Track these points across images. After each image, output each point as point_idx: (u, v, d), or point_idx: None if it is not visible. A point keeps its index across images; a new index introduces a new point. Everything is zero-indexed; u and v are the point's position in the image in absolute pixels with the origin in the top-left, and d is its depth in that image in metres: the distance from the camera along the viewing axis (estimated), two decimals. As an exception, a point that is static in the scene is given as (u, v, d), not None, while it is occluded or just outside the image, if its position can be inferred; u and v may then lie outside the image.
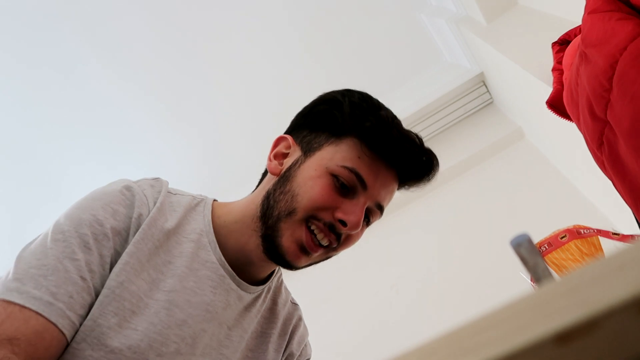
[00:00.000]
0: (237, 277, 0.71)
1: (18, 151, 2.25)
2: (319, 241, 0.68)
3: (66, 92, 2.13)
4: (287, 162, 0.73)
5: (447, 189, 2.16)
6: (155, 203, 0.67)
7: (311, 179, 0.68)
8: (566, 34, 1.14)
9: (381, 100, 0.76)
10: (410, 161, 0.72)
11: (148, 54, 2.12)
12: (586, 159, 0.92)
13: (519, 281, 1.23)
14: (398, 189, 0.76)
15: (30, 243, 0.62)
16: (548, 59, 1.20)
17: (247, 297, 0.72)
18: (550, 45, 1.20)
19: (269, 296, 0.78)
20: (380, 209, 0.73)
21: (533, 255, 0.32)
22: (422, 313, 1.80)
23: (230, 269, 0.70)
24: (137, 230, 0.64)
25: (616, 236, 1.18)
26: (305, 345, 0.84)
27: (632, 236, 1.17)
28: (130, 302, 0.60)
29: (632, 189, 0.73)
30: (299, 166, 0.71)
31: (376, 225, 2.38)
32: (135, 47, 2.09)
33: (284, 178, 0.71)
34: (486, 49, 1.84)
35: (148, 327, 0.60)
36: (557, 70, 1.11)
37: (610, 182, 0.82)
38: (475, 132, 2.25)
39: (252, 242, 0.70)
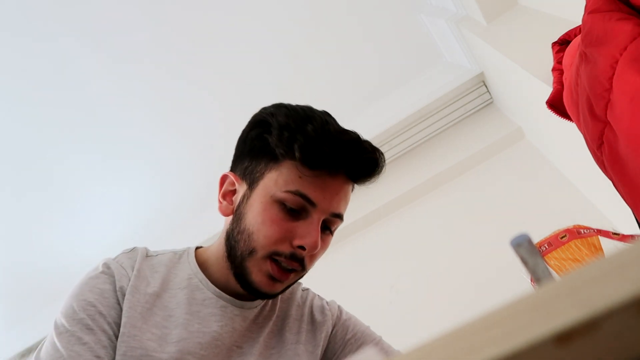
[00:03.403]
0: (237, 301, 0.75)
1: (19, 152, 2.25)
2: (285, 268, 0.71)
3: (67, 98, 2.13)
4: (236, 199, 0.75)
5: (447, 189, 2.16)
6: (132, 271, 0.71)
7: (260, 214, 0.70)
8: (566, 34, 1.14)
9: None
10: (353, 164, 0.72)
11: (150, 58, 2.12)
12: (586, 159, 0.92)
13: (519, 281, 1.23)
14: (354, 186, 0.77)
15: (39, 349, 0.67)
16: (548, 59, 1.20)
17: (252, 313, 0.76)
18: (550, 45, 1.20)
19: (278, 298, 0.81)
20: (338, 216, 0.74)
21: (533, 255, 0.32)
22: (422, 313, 1.80)
23: (228, 296, 0.74)
24: (123, 301, 0.68)
25: (616, 236, 1.18)
26: (331, 307, 0.85)
27: (632, 236, 1.17)
28: None
29: (632, 189, 0.73)
30: (247, 201, 0.72)
31: (376, 226, 2.37)
32: (138, 49, 2.09)
33: (237, 217, 0.73)
34: (486, 49, 1.84)
35: None
36: (557, 70, 1.11)
37: (610, 182, 0.82)
38: (475, 132, 2.25)
39: (232, 280, 0.74)
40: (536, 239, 1.26)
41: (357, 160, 0.72)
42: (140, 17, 2.02)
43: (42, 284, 2.53)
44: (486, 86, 2.27)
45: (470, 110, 2.32)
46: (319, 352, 0.79)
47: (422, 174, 2.23)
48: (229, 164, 0.88)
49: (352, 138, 0.72)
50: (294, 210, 0.69)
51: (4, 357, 2.59)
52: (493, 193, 2.02)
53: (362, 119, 2.26)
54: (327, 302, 0.87)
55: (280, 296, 0.82)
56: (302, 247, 0.70)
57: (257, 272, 0.70)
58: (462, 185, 2.13)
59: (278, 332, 0.78)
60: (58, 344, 0.64)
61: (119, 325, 0.66)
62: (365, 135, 0.77)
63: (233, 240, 0.72)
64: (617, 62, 0.69)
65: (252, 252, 0.70)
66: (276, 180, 0.70)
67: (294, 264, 0.71)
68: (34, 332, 2.54)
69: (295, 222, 0.70)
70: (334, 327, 0.83)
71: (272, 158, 0.71)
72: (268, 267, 0.70)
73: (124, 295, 0.68)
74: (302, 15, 2.16)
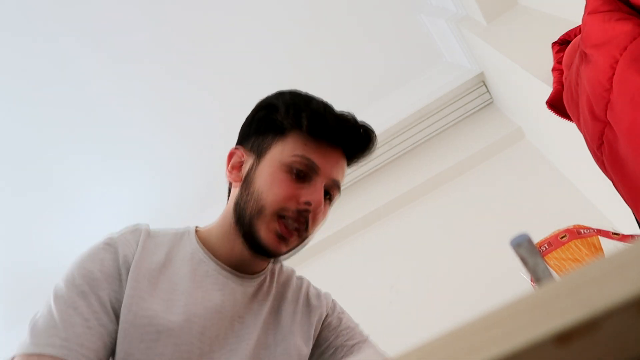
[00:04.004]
0: (238, 275, 0.80)
1: (19, 152, 2.25)
2: (291, 226, 0.76)
3: (67, 98, 2.13)
4: (244, 169, 0.82)
5: (447, 189, 2.16)
6: (137, 245, 0.76)
7: (270, 176, 0.77)
8: (566, 34, 1.14)
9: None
10: (351, 136, 0.81)
11: (150, 58, 2.12)
12: (586, 159, 0.92)
13: (519, 281, 1.23)
14: (348, 165, 0.85)
15: (37, 314, 0.70)
16: (548, 59, 1.20)
17: (251, 288, 0.81)
18: (550, 45, 1.20)
19: (275, 279, 0.87)
20: (337, 184, 0.82)
21: (533, 255, 0.32)
22: (422, 313, 1.80)
23: (229, 270, 0.79)
24: (127, 270, 0.72)
25: (616, 236, 1.18)
26: (325, 296, 0.91)
27: (632, 236, 1.17)
28: (151, 325, 0.68)
29: (632, 189, 0.73)
30: (256, 169, 0.79)
31: (376, 226, 2.36)
32: (138, 49, 2.09)
33: (246, 183, 0.79)
34: (486, 49, 1.84)
35: (176, 342, 0.68)
36: (557, 70, 1.11)
37: (610, 182, 0.82)
38: (475, 132, 2.25)
39: (237, 246, 0.79)
40: (536, 239, 1.26)
41: (355, 134, 0.81)
42: (140, 17, 2.03)
43: (42, 284, 2.52)
44: (486, 86, 2.27)
45: (470, 110, 2.32)
46: (312, 333, 0.84)
47: (422, 174, 2.23)
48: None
49: (349, 116, 0.82)
50: (300, 174, 0.77)
51: (4, 357, 2.59)
52: (493, 193, 2.02)
53: (362, 118, 2.26)
54: (322, 291, 0.92)
55: (276, 278, 0.87)
56: (308, 204, 0.75)
57: (266, 230, 0.75)
58: (462, 185, 2.13)
59: (275, 311, 0.83)
60: (53, 307, 0.67)
61: (117, 294, 0.69)
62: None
63: (242, 203, 0.78)
64: (617, 62, 0.69)
65: (260, 210, 0.75)
66: (282, 150, 0.78)
67: (300, 220, 0.76)
68: (34, 332, 2.54)
69: (301, 185, 0.77)
70: (327, 316, 0.88)
71: (278, 132, 0.79)
72: (276, 225, 0.75)
73: (129, 266, 0.72)
74: (302, 15, 2.16)
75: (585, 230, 1.22)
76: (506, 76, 1.86)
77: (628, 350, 0.18)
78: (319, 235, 2.28)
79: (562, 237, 1.21)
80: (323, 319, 0.87)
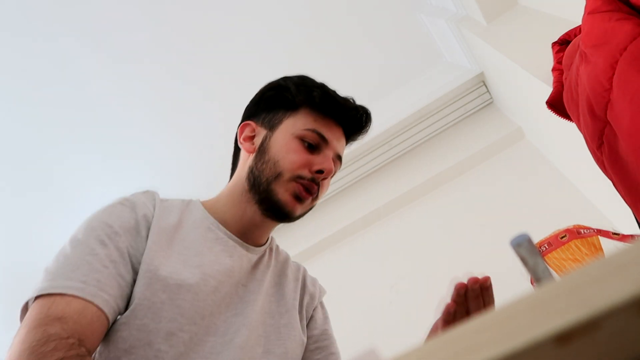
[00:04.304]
0: (244, 243, 0.84)
1: (19, 152, 2.25)
2: (307, 189, 0.83)
3: (67, 98, 2.13)
4: (257, 140, 0.87)
5: (447, 189, 2.16)
6: (154, 207, 0.79)
7: (285, 146, 0.83)
8: (566, 34, 1.14)
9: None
10: (352, 116, 0.90)
11: (150, 58, 2.12)
12: (586, 159, 0.92)
13: (519, 281, 1.23)
14: (346, 145, 0.93)
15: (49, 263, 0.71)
16: (548, 59, 1.20)
17: (254, 257, 0.85)
18: (550, 45, 1.20)
19: (273, 255, 0.91)
20: (340, 158, 0.90)
21: (533, 255, 0.32)
22: (422, 313, 1.80)
23: (237, 238, 0.83)
24: (147, 227, 0.75)
25: (616, 236, 1.18)
26: (320, 288, 0.98)
27: (632, 236, 1.17)
28: (172, 277, 0.71)
29: (632, 189, 0.73)
30: (269, 140, 0.86)
31: (376, 226, 2.35)
32: (138, 49, 2.09)
33: (261, 152, 0.85)
34: (486, 49, 1.84)
35: (193, 297, 0.72)
36: (557, 70, 1.11)
37: (610, 182, 0.82)
38: (475, 132, 2.25)
39: (248, 211, 0.84)
40: (536, 239, 1.26)
41: (356, 115, 0.90)
42: (140, 17, 2.02)
43: (42, 284, 2.53)
44: (486, 86, 2.27)
45: (470, 110, 2.31)
46: (304, 314, 0.89)
47: (422, 174, 2.23)
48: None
49: (351, 99, 0.92)
50: (311, 145, 0.84)
51: (4, 357, 2.59)
52: (493, 193, 2.02)
53: (362, 119, 2.26)
54: (318, 281, 0.98)
55: (274, 255, 0.91)
56: (320, 172, 0.83)
57: (284, 192, 0.81)
58: (462, 185, 2.13)
59: (277, 285, 0.88)
60: (71, 252, 0.68)
61: (135, 249, 0.72)
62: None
63: (257, 170, 0.84)
64: (617, 62, 0.69)
65: (278, 175, 0.81)
66: (294, 123, 0.85)
67: (313, 187, 0.83)
68: (34, 332, 2.54)
69: (312, 155, 0.84)
70: (315, 309, 0.93)
71: (289, 108, 0.87)
72: (294, 187, 0.81)
73: (148, 223, 0.75)
74: (302, 15, 2.16)
75: (585, 230, 1.22)
76: (506, 76, 1.86)
77: (628, 350, 0.18)
78: (319, 235, 2.29)
79: (562, 237, 1.21)
80: (313, 308, 0.92)
